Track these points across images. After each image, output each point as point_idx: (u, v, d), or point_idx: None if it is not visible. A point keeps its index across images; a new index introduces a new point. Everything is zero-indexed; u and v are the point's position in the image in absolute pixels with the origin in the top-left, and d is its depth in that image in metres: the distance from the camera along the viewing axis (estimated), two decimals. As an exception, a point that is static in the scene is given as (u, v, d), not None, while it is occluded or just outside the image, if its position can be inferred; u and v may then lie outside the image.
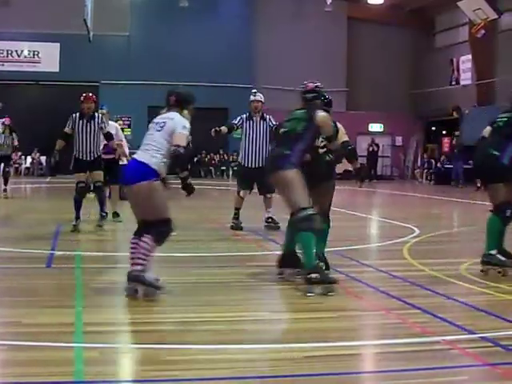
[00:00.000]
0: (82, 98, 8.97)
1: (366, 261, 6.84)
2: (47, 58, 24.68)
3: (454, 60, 26.29)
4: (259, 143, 9.24)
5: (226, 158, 26.16)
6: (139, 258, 4.97)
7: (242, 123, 9.31)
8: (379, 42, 27.09)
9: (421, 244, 8.20)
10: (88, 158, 8.91)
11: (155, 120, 5.28)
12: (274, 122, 9.26)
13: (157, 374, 3.43)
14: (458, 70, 26.24)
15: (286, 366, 3.70)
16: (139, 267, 4.96)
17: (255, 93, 9.59)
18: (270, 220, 9.25)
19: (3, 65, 24.55)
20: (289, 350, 3.95)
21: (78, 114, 8.90)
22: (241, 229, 9.11)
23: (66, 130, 8.87)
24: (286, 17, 25.93)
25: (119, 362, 3.76)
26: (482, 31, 22.80)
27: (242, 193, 9.27)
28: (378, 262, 6.66)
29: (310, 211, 5.44)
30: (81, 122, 8.85)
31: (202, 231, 9.36)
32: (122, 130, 13.29)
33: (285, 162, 5.52)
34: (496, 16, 22.72)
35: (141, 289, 4.97)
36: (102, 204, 9.16)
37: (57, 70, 24.56)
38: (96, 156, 9.00)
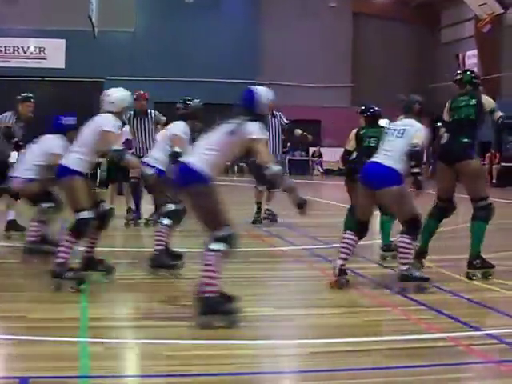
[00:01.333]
0: (134, 97, 8.88)
1: (371, 257, 6.82)
2: (53, 54, 24.71)
3: (460, 55, 26.20)
4: (271, 140, 9.29)
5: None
6: (402, 258, 5.16)
7: None
8: (384, 38, 26.99)
9: (426, 240, 8.16)
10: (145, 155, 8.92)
11: (394, 127, 5.41)
12: (286, 121, 9.36)
13: (161, 369, 3.44)
14: (464, 66, 26.15)
15: (290, 362, 3.70)
16: (406, 266, 5.14)
17: None
18: (267, 212, 9.46)
19: (9, 61, 24.58)
20: (294, 346, 3.96)
21: (132, 113, 8.90)
22: (260, 222, 9.33)
23: None
24: (291, 12, 25.85)
25: (124, 356, 3.77)
26: (488, 26, 22.73)
27: (260, 187, 9.46)
28: (383, 258, 6.64)
29: (490, 201, 5.67)
30: (135, 120, 8.90)
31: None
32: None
33: (472, 151, 5.68)
34: (502, 11, 22.63)
35: (410, 286, 5.13)
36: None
37: (62, 66, 24.58)
38: None
